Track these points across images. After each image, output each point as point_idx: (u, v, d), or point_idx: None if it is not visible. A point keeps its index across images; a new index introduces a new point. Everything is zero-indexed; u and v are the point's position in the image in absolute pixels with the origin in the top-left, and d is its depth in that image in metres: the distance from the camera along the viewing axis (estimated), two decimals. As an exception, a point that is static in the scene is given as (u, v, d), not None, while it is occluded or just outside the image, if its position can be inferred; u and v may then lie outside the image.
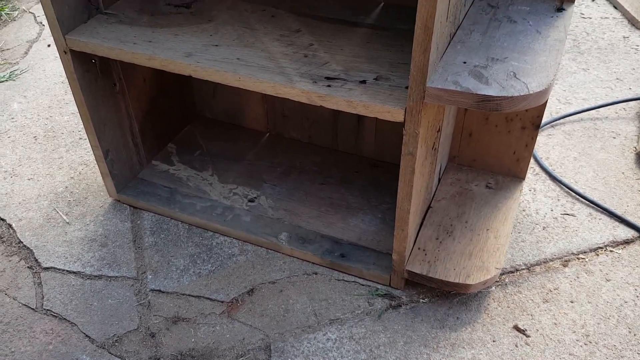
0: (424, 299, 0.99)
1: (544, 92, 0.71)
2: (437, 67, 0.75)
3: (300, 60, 0.86)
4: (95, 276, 1.05)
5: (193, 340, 0.95)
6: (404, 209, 0.85)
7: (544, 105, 0.97)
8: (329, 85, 0.80)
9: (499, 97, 0.69)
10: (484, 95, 0.69)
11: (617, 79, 1.47)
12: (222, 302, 1.00)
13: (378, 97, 0.77)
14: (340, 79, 0.81)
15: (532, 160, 1.25)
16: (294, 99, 0.82)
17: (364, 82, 0.80)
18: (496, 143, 1.09)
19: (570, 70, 1.51)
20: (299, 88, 0.81)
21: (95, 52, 0.93)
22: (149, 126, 1.21)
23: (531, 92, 0.70)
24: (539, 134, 1.31)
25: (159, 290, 1.02)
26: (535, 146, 1.29)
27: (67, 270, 1.06)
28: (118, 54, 0.91)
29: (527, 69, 0.74)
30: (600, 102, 1.39)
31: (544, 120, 1.35)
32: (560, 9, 0.86)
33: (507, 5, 0.87)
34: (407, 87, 0.79)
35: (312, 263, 1.04)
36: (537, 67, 0.74)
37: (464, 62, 0.75)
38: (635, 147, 1.27)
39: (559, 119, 1.35)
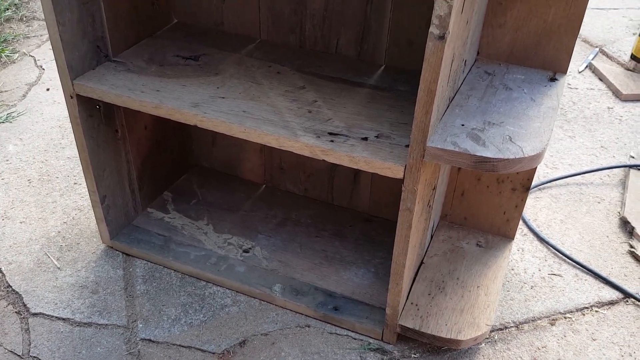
0: (415, 354, 0.98)
1: (538, 156, 0.75)
2: (436, 128, 0.78)
3: (304, 116, 0.89)
4: (85, 323, 1.03)
5: (182, 392, 0.93)
6: (400, 264, 0.87)
7: (535, 168, 1.01)
8: (332, 141, 0.83)
9: (495, 158, 0.73)
10: (482, 156, 0.73)
11: (602, 147, 1.53)
12: (214, 353, 0.98)
13: (379, 154, 0.80)
14: (342, 134, 0.84)
15: (520, 221, 1.28)
16: (298, 152, 0.85)
17: (365, 139, 0.84)
18: (487, 203, 1.12)
19: (558, 137, 1.57)
20: (302, 142, 0.83)
21: (102, 98, 0.95)
22: (147, 173, 1.22)
23: (526, 155, 0.73)
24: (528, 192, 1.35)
25: (150, 340, 1.00)
26: (524, 208, 1.32)
27: (56, 317, 1.04)
28: (125, 101, 0.93)
29: (522, 133, 0.77)
30: (585, 168, 1.44)
31: (532, 183, 1.39)
32: (553, 79, 0.91)
33: (503, 73, 0.92)
34: (407, 146, 0.82)
35: (305, 315, 1.04)
36: (532, 132, 0.78)
37: (462, 125, 0.78)
38: (619, 212, 1.31)
39: (547, 182, 1.40)
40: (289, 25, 1.09)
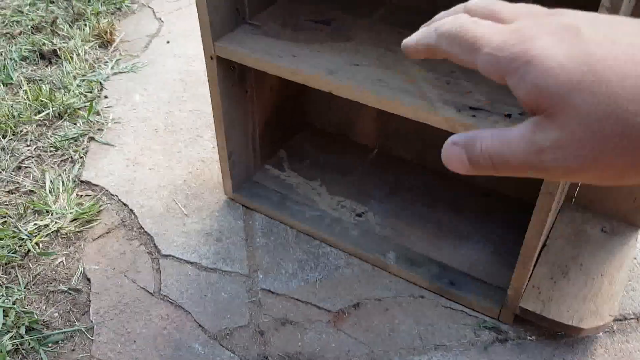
0: (531, 337, 0.98)
1: None
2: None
3: (442, 87, 0.88)
4: (211, 269, 1.10)
5: (299, 344, 0.98)
6: (532, 247, 0.86)
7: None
8: (474, 116, 0.82)
9: None
10: None
11: None
12: (329, 311, 1.03)
13: (523, 134, 0.78)
14: (484, 110, 0.83)
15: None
16: (436, 126, 0.84)
17: (509, 115, 0.82)
18: (617, 188, 1.07)
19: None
20: (442, 115, 0.82)
21: (242, 61, 0.98)
22: (268, 132, 1.26)
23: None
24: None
25: (269, 291, 1.06)
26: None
27: (184, 260, 1.12)
28: (264, 66, 0.96)
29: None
30: None
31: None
32: None
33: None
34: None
35: (419, 286, 1.06)
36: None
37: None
38: None
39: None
40: (424, -9, 1.06)
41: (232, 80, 1.08)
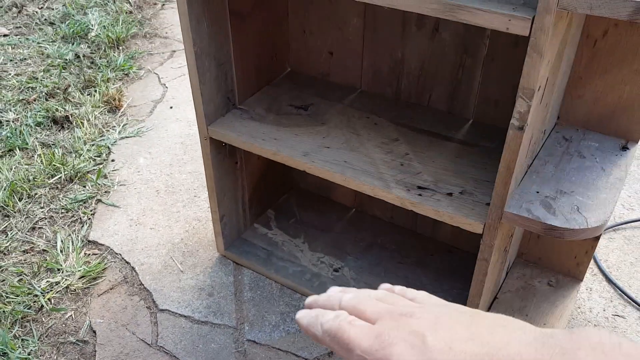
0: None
1: (600, 227, 0.86)
2: (514, 193, 0.91)
3: (397, 168, 1.04)
4: (203, 322, 1.25)
5: (280, 389, 1.12)
6: (474, 303, 1.00)
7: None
8: (420, 194, 0.98)
9: (562, 227, 0.85)
10: (551, 225, 0.85)
11: (683, 191, 1.57)
12: (307, 359, 1.17)
13: (462, 210, 0.94)
14: (430, 189, 0.99)
15: (592, 260, 1.37)
16: (389, 202, 1.00)
17: (450, 194, 0.98)
18: (560, 246, 1.22)
19: (637, 177, 1.62)
20: (394, 194, 0.99)
21: (231, 142, 1.15)
22: (256, 195, 1.42)
23: (589, 227, 0.85)
24: (600, 236, 1.43)
25: (254, 341, 1.20)
26: (596, 248, 1.40)
27: (179, 314, 1.26)
28: (250, 147, 1.13)
29: (589, 204, 0.89)
30: (663, 212, 1.49)
31: (607, 224, 1.46)
32: (624, 148, 1.00)
33: (579, 139, 1.03)
34: (488, 204, 0.95)
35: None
36: (598, 204, 0.89)
37: (537, 192, 0.91)
38: (694, 260, 1.36)
39: (622, 224, 1.47)
40: (387, 80, 1.24)
41: (223, 154, 1.24)
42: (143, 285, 1.34)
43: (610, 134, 1.04)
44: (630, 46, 0.95)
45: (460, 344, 0.30)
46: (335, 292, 0.40)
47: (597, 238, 1.17)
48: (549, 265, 1.27)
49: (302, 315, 0.39)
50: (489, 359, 0.29)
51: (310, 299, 0.41)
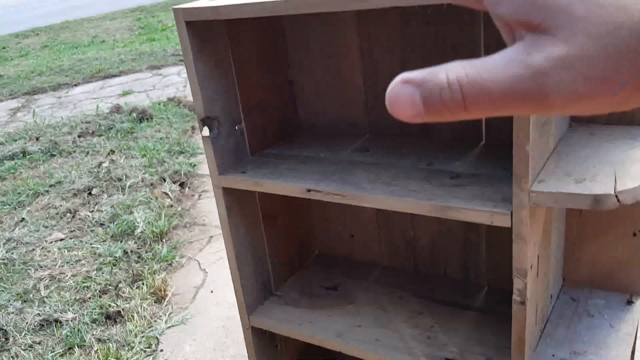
0: None
1: (621, 384, 0.92)
2: (531, 358, 0.99)
3: (424, 342, 1.13)
4: None
5: None
6: None
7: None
8: (448, 366, 1.06)
9: (583, 388, 0.91)
10: (571, 386, 0.92)
11: None
12: None
13: (488, 378, 1.02)
14: (456, 360, 1.07)
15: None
16: (422, 376, 1.08)
17: None
18: None
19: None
20: (425, 367, 1.07)
21: (270, 329, 1.27)
22: (297, 374, 1.50)
23: (609, 385, 0.91)
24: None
25: None
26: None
27: None
28: (288, 333, 1.25)
29: (605, 362, 0.96)
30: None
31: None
32: (630, 302, 1.09)
33: (586, 299, 1.12)
34: (510, 370, 1.02)
35: None
36: (613, 361, 0.96)
37: (553, 355, 0.99)
38: None
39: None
40: (405, 254, 1.38)
41: (264, 340, 1.36)
42: None
43: (615, 289, 1.13)
44: (612, 213, 1.09)
45: None
46: None
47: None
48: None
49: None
50: None
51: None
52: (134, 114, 4.12)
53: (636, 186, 0.83)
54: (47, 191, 3.15)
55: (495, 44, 1.06)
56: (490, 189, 0.94)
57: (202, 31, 1.08)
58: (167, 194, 2.90)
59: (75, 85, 5.64)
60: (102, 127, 4.01)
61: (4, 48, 8.28)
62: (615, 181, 0.85)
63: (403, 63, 1.18)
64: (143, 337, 1.89)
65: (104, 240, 2.55)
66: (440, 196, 0.94)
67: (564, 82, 0.20)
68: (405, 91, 0.22)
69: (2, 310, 2.11)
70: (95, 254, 2.46)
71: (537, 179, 0.87)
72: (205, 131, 1.13)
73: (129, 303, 2.08)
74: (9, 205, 3.01)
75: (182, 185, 3.03)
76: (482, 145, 1.14)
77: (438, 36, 1.12)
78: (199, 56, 1.08)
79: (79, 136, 3.91)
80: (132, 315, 2.00)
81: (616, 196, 0.82)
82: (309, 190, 1.06)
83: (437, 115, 0.22)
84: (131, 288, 2.18)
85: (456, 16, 1.09)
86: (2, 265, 2.43)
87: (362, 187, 1.02)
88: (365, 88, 1.26)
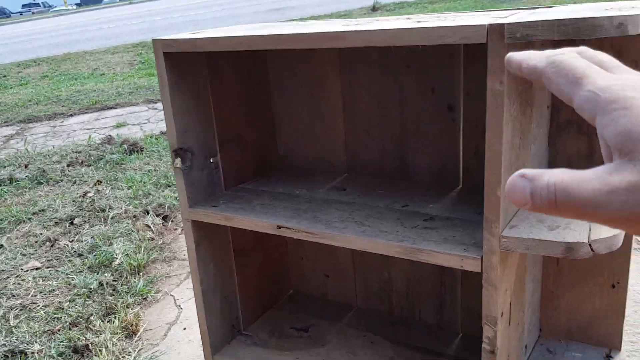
0: None
1: None
2: (503, 412, 0.94)
3: (393, 391, 1.08)
4: None
5: None
6: None
7: None
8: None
9: None
10: None
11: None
12: None
13: None
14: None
15: None
16: None
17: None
18: None
19: None
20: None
21: (236, 371, 1.22)
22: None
23: None
24: None
25: None
26: None
27: None
28: (253, 375, 1.19)
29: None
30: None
31: None
32: (608, 357, 1.05)
33: (563, 351, 1.08)
34: None
35: None
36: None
37: (525, 410, 0.94)
38: None
39: None
40: (380, 296, 1.34)
41: (230, 383, 1.30)
42: None
43: (593, 343, 1.09)
44: (588, 262, 1.06)
45: None
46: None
47: None
48: None
49: (518, 53, 0.33)
50: None
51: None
52: (125, 146, 4.11)
53: (610, 236, 0.81)
54: (29, 219, 3.10)
55: (474, 89, 1.06)
56: (463, 233, 0.91)
57: (180, 62, 1.07)
58: (149, 227, 2.86)
59: (71, 115, 5.65)
60: (92, 158, 4.00)
61: (4, 76, 8.35)
62: (590, 230, 0.83)
63: (383, 105, 1.18)
64: (109, 374, 1.82)
65: (81, 271, 2.49)
66: (411, 238, 0.91)
67: (628, 202, 0.25)
68: (521, 183, 0.28)
69: (-33, 340, 2.03)
70: (70, 284, 2.39)
71: (509, 224, 0.84)
72: (178, 162, 1.10)
73: (98, 337, 2.01)
74: (-12, 231, 2.96)
75: (165, 218, 2.99)
76: (459, 189, 1.12)
77: (418, 79, 1.12)
78: (176, 87, 1.07)
79: (68, 165, 3.89)
80: (100, 350, 1.92)
81: (589, 245, 0.80)
82: (279, 227, 1.03)
83: (539, 209, 0.27)
84: (102, 321, 2.11)
85: (435, 59, 1.09)
86: (-27, 293, 2.36)
87: (334, 226, 0.99)
88: (345, 127, 1.25)
